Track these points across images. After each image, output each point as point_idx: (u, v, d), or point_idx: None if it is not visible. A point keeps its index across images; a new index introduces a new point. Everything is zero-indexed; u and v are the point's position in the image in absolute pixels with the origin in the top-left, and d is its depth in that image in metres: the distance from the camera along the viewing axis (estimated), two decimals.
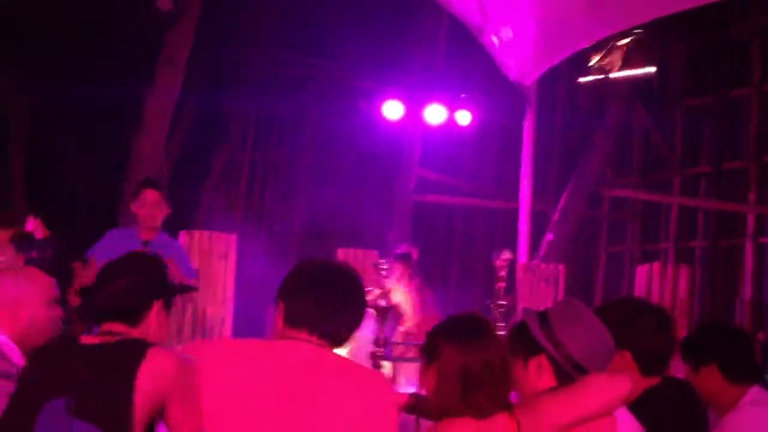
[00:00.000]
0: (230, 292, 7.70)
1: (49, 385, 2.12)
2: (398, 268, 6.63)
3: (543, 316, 2.19)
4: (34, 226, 7.68)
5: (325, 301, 2.08)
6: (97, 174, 10.92)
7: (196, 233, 7.50)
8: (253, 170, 12.15)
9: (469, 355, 2.02)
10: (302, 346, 2.04)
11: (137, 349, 2.16)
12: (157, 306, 2.33)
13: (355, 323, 2.13)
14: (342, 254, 8.67)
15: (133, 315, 2.29)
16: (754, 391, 2.76)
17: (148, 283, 2.35)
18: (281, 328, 2.09)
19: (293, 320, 2.07)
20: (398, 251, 6.98)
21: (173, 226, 7.95)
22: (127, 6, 9.49)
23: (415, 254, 6.99)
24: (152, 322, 2.32)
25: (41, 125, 10.50)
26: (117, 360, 2.15)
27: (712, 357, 2.75)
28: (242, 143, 12.07)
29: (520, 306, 8.74)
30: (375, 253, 8.20)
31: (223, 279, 7.69)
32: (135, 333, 2.26)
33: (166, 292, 2.39)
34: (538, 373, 2.15)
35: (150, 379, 2.11)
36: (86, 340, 2.23)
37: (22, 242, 7.15)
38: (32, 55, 9.73)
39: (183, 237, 7.34)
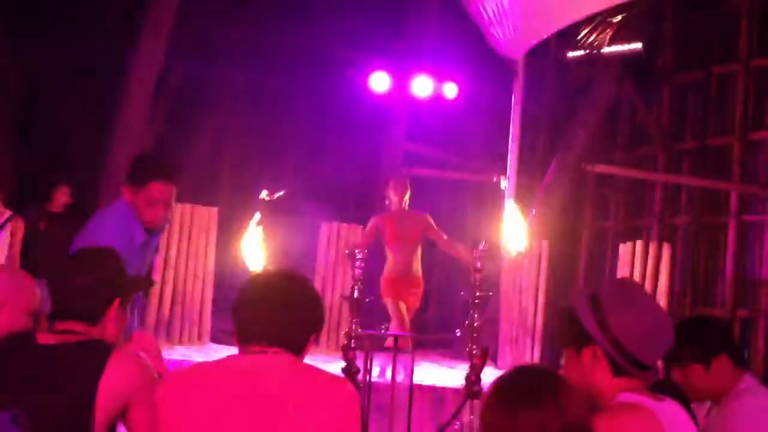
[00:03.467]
0: (211, 266, 7.72)
1: (3, 386, 2.12)
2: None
3: (594, 300, 2.05)
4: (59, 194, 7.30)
5: (273, 311, 2.07)
6: (86, 141, 10.84)
7: (178, 207, 7.49)
8: (239, 141, 12.06)
9: (514, 422, 1.71)
10: (261, 358, 2.03)
11: (100, 352, 2.17)
12: (116, 305, 2.32)
13: (310, 328, 2.13)
14: (326, 229, 8.70)
15: (92, 315, 2.28)
16: (748, 378, 2.80)
17: (108, 283, 2.33)
18: (237, 344, 2.10)
19: (246, 335, 2.07)
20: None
21: None
22: None
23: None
24: (110, 322, 2.31)
25: (30, 89, 10.38)
26: (79, 362, 2.15)
27: (723, 348, 2.77)
28: (229, 113, 11.97)
29: (504, 282, 8.82)
30: (359, 228, 8.24)
31: (204, 253, 7.70)
32: (93, 332, 2.26)
33: (124, 291, 2.38)
34: (592, 364, 2.03)
35: (113, 383, 2.12)
36: (43, 339, 2.22)
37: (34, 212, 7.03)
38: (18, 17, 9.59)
39: None
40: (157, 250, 4.03)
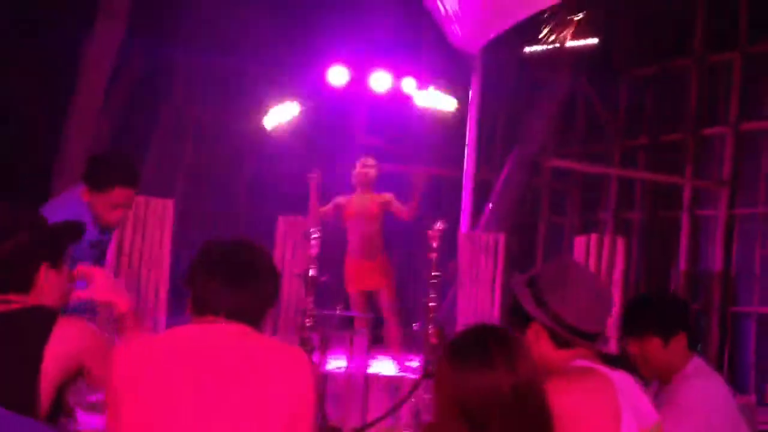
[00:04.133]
0: (166, 257, 7.62)
1: None
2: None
3: (531, 281, 2.13)
4: None
5: (228, 281, 2.03)
6: (38, 126, 10.64)
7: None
8: (197, 130, 11.94)
9: (464, 382, 1.74)
10: (216, 326, 2.01)
11: (42, 319, 2.10)
12: (44, 267, 2.20)
13: (265, 299, 2.10)
14: (282, 221, 8.63)
15: (21, 284, 2.17)
16: (697, 360, 2.84)
17: (32, 245, 2.20)
18: (191, 314, 2.06)
19: (200, 304, 2.04)
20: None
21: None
22: None
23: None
24: (44, 287, 2.20)
25: None
26: (22, 330, 2.08)
27: (681, 327, 2.81)
28: (187, 101, 11.84)
29: (461, 275, 8.83)
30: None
31: (159, 244, 7.60)
32: (31, 300, 2.17)
33: (49, 251, 2.24)
34: (536, 340, 2.09)
35: (59, 348, 2.06)
36: None
37: None
38: None
39: None
40: (107, 246, 3.96)
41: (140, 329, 2.39)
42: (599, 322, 2.11)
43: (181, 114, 11.73)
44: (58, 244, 2.29)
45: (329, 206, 6.73)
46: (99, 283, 2.41)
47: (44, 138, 9.08)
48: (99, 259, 3.67)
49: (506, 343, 1.79)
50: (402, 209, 6.52)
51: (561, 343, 2.07)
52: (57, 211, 3.40)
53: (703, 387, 2.75)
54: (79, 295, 2.37)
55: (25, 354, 2.05)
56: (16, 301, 2.15)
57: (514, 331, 2.07)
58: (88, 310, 3.00)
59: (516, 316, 2.12)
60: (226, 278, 2.03)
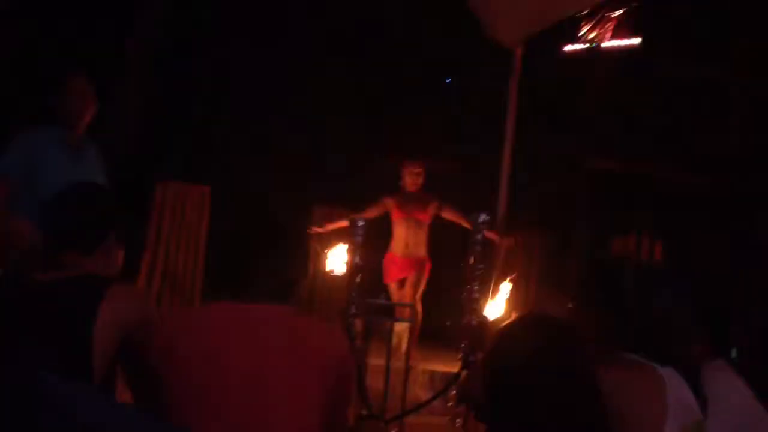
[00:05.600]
0: (202, 244, 7.66)
1: (5, 328, 2.06)
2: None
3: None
4: None
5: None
6: None
7: (171, 185, 7.44)
8: (229, 123, 11.99)
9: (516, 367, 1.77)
10: (255, 305, 2.01)
11: (97, 286, 2.11)
12: (113, 236, 2.31)
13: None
14: (318, 212, 8.63)
15: (87, 245, 2.26)
16: (718, 361, 2.82)
17: (101, 215, 2.33)
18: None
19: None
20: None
21: (150, 173, 7.89)
22: None
23: None
24: (104, 255, 2.29)
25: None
26: (76, 297, 2.09)
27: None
28: (223, 91, 11.89)
29: (497, 269, 8.78)
30: (350, 213, 8.17)
31: (196, 230, 7.64)
32: (88, 265, 2.22)
33: (120, 223, 2.37)
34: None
35: (111, 316, 2.06)
36: (41, 276, 2.17)
37: None
38: None
39: (158, 188, 7.28)
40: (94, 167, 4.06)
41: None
42: None
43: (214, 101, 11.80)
44: (123, 221, 2.40)
45: (377, 204, 6.74)
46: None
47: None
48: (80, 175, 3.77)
49: (558, 329, 1.78)
50: (454, 213, 6.50)
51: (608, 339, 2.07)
52: (26, 137, 3.74)
53: (726, 378, 2.69)
54: None
55: (77, 322, 2.05)
56: (74, 266, 2.18)
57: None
58: None
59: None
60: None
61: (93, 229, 2.28)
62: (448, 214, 6.59)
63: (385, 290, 6.54)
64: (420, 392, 6.04)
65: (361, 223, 4.55)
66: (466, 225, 6.41)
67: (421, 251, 6.61)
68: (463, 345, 4.45)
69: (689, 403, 2.05)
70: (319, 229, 6.48)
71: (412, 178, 6.62)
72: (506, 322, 1.88)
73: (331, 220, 6.90)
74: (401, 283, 6.57)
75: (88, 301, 2.07)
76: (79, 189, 2.38)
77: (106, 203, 2.35)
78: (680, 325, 2.82)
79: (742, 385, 2.90)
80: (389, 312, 4.76)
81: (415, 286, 6.48)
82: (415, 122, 10.58)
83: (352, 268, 4.45)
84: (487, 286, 4.42)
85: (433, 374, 6.47)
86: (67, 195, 2.33)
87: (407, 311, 5.02)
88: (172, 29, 9.44)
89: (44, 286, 2.12)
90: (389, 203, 6.69)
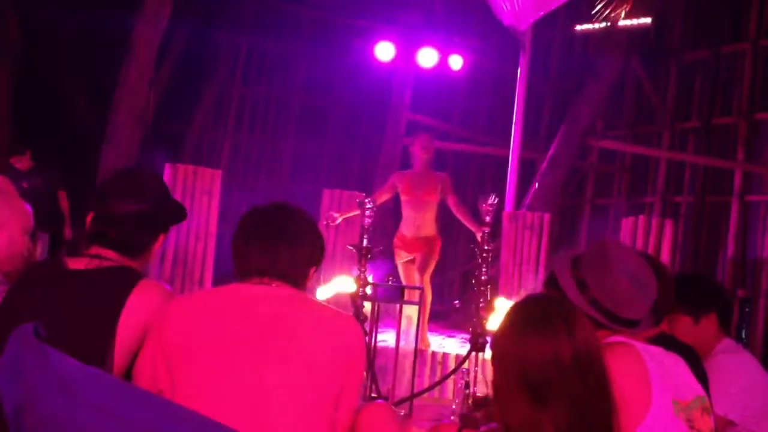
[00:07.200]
0: (213, 228, 7.66)
1: (32, 309, 2.04)
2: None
3: (575, 262, 2.07)
4: (17, 159, 7.80)
5: (262, 243, 2.03)
6: (87, 101, 10.81)
7: (181, 167, 7.43)
8: (241, 107, 12.01)
9: (525, 350, 1.72)
10: (262, 287, 2.01)
11: (128, 279, 2.10)
12: (161, 240, 2.27)
13: (306, 261, 2.09)
14: (327, 195, 8.63)
15: (131, 248, 2.20)
16: (727, 341, 2.90)
17: (154, 214, 2.23)
18: (236, 277, 2.08)
19: (243, 269, 2.05)
20: None
21: (159, 159, 7.91)
22: None
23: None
24: (150, 255, 2.25)
25: (31, 51, 10.33)
26: (106, 287, 2.09)
27: (712, 306, 2.85)
28: (231, 79, 11.92)
29: (504, 254, 8.77)
30: (361, 195, 8.17)
31: (206, 215, 7.64)
32: (128, 262, 2.18)
33: (167, 224, 2.31)
34: None
35: (137, 310, 2.06)
36: (73, 264, 2.14)
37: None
38: None
39: (168, 170, 7.28)
40: None
41: None
42: (638, 308, 2.04)
43: (225, 91, 11.82)
44: (173, 221, 2.36)
45: (387, 184, 6.72)
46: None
47: (95, 108, 9.24)
48: None
49: (566, 312, 1.77)
50: (456, 204, 6.48)
51: (599, 326, 2.01)
52: None
53: (734, 359, 2.81)
54: None
55: (104, 312, 2.05)
56: (111, 259, 2.15)
57: None
58: None
59: (553, 290, 2.06)
60: (260, 240, 2.04)
61: (140, 235, 2.21)
62: (451, 202, 6.54)
63: (394, 271, 6.54)
64: (429, 374, 6.06)
65: (369, 205, 4.56)
66: (465, 223, 6.40)
67: (431, 230, 6.59)
68: (471, 327, 4.47)
69: (685, 380, 2.04)
70: (335, 218, 6.45)
71: (423, 153, 6.57)
72: (510, 307, 1.88)
73: (342, 209, 6.88)
74: (410, 263, 6.56)
75: (118, 291, 2.06)
76: (130, 184, 2.23)
77: (157, 202, 2.23)
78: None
79: (748, 358, 2.92)
80: (399, 294, 4.76)
81: (425, 267, 6.47)
82: None
83: (362, 250, 4.46)
84: (494, 270, 4.42)
85: (442, 357, 6.49)
86: (118, 190, 2.20)
87: (417, 294, 5.03)
88: None
89: (78, 273, 2.11)
90: (399, 183, 6.68)
